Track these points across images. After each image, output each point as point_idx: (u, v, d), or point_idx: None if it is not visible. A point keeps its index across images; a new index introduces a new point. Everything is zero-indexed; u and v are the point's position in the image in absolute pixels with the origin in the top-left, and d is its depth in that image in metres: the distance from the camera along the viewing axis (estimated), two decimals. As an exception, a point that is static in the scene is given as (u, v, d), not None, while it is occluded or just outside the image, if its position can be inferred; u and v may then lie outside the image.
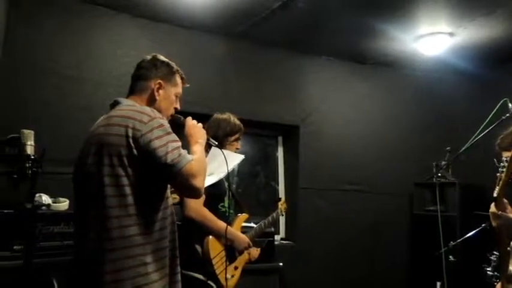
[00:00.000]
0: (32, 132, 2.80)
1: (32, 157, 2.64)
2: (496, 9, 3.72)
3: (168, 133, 1.68)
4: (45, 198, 2.96)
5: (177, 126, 1.92)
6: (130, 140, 1.62)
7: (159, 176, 1.66)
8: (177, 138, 1.70)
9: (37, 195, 2.77)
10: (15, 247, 2.65)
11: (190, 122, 1.99)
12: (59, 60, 3.65)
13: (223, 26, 4.27)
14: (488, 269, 3.37)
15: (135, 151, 1.62)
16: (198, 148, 1.85)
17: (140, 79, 1.90)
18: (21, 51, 3.48)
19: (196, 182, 1.65)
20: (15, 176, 2.58)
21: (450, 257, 3.57)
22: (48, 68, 3.59)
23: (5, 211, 2.68)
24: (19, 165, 2.59)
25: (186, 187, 1.67)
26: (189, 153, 1.73)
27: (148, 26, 4.09)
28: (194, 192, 1.70)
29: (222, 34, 4.43)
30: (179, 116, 2.02)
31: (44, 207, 2.90)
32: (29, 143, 2.73)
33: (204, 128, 2.01)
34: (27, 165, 2.61)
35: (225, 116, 2.80)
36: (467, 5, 3.69)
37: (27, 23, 3.52)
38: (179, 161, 1.62)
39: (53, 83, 3.60)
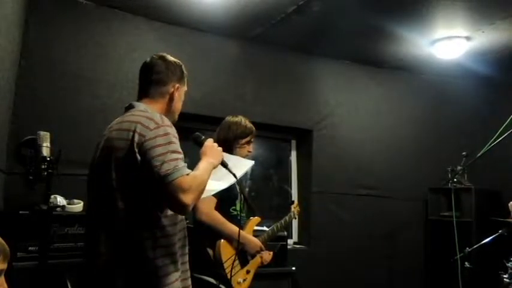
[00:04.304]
0: (48, 134, 2.83)
1: (48, 159, 2.67)
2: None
3: (171, 142, 1.63)
4: (60, 200, 2.99)
5: (196, 144, 1.93)
6: (135, 145, 1.61)
7: (153, 184, 1.59)
8: (180, 150, 1.65)
9: (52, 196, 2.80)
10: (30, 248, 2.69)
11: (210, 143, 1.92)
12: (76, 62, 3.68)
13: (238, 30, 4.27)
14: (504, 276, 3.32)
15: (138, 156, 1.60)
16: (205, 165, 1.76)
17: (158, 84, 1.86)
18: (39, 54, 3.51)
19: (184, 198, 1.55)
20: (31, 177, 2.62)
21: (466, 263, 3.53)
22: (65, 70, 3.62)
23: (21, 212, 2.71)
24: (35, 167, 2.62)
25: (172, 200, 1.58)
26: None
27: (163, 28, 4.12)
28: (179, 208, 1.61)
29: (237, 37, 4.44)
30: (200, 134, 1.98)
31: (58, 209, 2.92)
32: (45, 144, 2.77)
33: (216, 132, 2.00)
34: (43, 166, 2.63)
35: (237, 118, 2.79)
36: (485, 8, 3.63)
37: (44, 25, 3.56)
38: (172, 172, 1.55)
39: (69, 85, 3.63)
